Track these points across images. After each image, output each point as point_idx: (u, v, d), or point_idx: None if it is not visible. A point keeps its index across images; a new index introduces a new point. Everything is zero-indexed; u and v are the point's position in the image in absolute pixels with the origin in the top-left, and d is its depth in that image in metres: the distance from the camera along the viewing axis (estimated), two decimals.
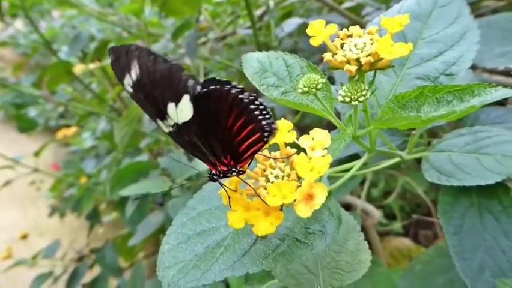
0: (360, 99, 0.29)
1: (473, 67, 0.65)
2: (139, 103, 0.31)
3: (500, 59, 0.53)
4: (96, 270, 1.30)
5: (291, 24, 1.02)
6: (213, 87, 0.29)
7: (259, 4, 1.12)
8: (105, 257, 1.23)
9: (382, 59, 0.29)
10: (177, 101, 0.29)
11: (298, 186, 0.27)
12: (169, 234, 0.37)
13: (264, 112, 0.29)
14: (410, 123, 0.29)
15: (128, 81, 0.29)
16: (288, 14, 1.13)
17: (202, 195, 0.40)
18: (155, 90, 0.29)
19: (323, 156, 0.27)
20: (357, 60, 0.29)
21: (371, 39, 0.30)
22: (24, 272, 1.33)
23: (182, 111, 0.30)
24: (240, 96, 0.29)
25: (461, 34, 0.40)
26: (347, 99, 0.29)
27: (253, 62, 0.41)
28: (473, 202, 0.42)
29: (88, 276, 1.28)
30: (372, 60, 0.29)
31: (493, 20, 0.59)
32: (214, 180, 0.31)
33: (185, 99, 0.29)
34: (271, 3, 1.01)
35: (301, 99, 0.37)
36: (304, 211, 0.26)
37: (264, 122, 0.29)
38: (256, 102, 0.29)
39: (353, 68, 0.29)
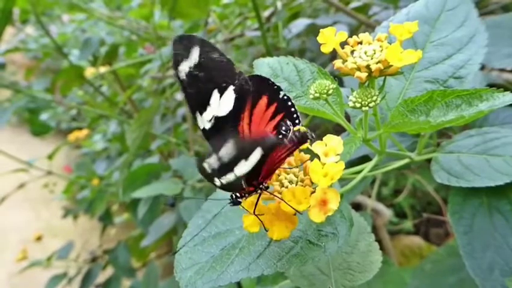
0: (370, 104, 0.30)
1: (482, 66, 0.65)
2: (187, 91, 0.32)
3: (508, 59, 0.53)
4: (109, 271, 1.32)
5: (299, 25, 1.03)
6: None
7: (267, 5, 1.12)
8: (118, 257, 1.25)
9: (392, 65, 0.30)
10: (222, 91, 0.31)
11: (312, 192, 0.28)
12: (185, 236, 0.38)
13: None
14: (420, 128, 0.30)
15: (184, 67, 0.31)
16: (295, 15, 1.13)
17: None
18: (208, 76, 0.31)
19: (336, 162, 0.28)
20: (367, 67, 0.30)
21: (380, 46, 0.31)
22: (38, 272, 1.35)
23: (223, 103, 0.32)
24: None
25: (469, 37, 0.41)
26: (358, 105, 0.30)
27: (264, 67, 0.42)
28: (483, 202, 0.43)
29: (101, 277, 1.29)
30: (382, 67, 0.30)
31: (501, 20, 0.59)
32: (238, 204, 0.31)
33: (230, 90, 0.31)
34: (279, 4, 1.02)
35: (312, 104, 0.38)
36: (318, 217, 0.27)
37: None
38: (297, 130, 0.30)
39: (363, 74, 0.30)
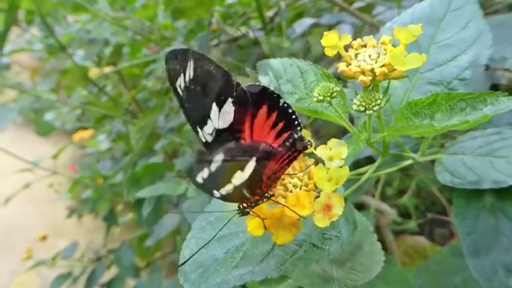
0: (374, 108, 0.30)
1: (486, 66, 0.65)
2: (186, 106, 0.32)
3: None
4: (113, 271, 1.32)
5: (303, 24, 1.03)
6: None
7: (271, 5, 1.12)
8: (122, 257, 1.25)
9: (396, 69, 0.30)
10: (221, 104, 0.31)
11: (317, 197, 0.28)
12: (189, 238, 0.38)
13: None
14: (424, 131, 0.30)
15: (180, 82, 0.30)
16: (299, 15, 1.13)
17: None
18: (205, 89, 0.31)
19: (341, 167, 0.28)
20: (372, 70, 0.30)
21: (384, 50, 0.30)
22: (43, 272, 1.36)
23: (223, 115, 0.31)
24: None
25: (474, 38, 0.40)
26: (362, 109, 0.30)
27: (268, 68, 0.42)
28: (487, 204, 0.43)
29: (105, 277, 1.30)
30: (387, 71, 0.30)
31: (505, 19, 0.59)
32: (247, 213, 0.31)
33: (229, 102, 0.31)
34: (283, 4, 1.02)
35: (316, 106, 0.38)
36: (322, 221, 0.27)
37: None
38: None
39: (368, 78, 0.30)
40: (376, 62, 0.30)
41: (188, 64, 0.30)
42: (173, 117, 1.31)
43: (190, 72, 0.30)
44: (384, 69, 0.30)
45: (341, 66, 0.32)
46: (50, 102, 1.18)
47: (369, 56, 0.30)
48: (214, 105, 0.31)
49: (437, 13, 0.44)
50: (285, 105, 0.32)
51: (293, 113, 0.32)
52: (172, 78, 0.31)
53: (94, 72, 1.24)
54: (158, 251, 1.42)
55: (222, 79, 0.31)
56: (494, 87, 0.63)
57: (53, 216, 1.89)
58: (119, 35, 1.35)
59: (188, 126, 1.27)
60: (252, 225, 0.30)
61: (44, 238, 1.47)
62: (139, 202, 1.09)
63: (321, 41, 0.32)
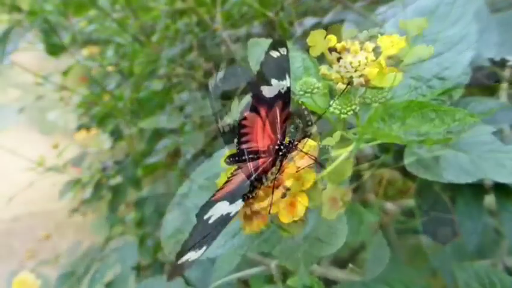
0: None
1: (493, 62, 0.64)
2: (213, 103, 0.36)
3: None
4: (116, 270, 1.32)
5: (306, 24, 1.03)
6: None
7: (273, 5, 1.12)
8: (125, 256, 1.25)
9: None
10: (241, 98, 0.35)
11: (323, 189, 0.29)
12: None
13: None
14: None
15: (212, 82, 0.35)
16: (302, 14, 1.13)
17: None
18: (229, 90, 0.36)
19: (345, 160, 0.28)
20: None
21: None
22: (46, 272, 1.36)
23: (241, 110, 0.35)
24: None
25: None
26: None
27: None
28: (490, 203, 0.43)
29: (107, 276, 1.30)
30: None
31: (508, 17, 0.59)
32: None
33: (248, 98, 0.35)
34: (285, 4, 1.02)
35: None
36: (329, 214, 0.27)
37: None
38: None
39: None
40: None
41: (221, 67, 0.36)
42: (175, 117, 1.31)
43: (221, 74, 0.35)
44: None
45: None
46: (53, 101, 1.18)
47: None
48: (235, 100, 0.35)
49: (440, 10, 0.43)
50: (299, 103, 0.34)
51: (306, 109, 0.33)
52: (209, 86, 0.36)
53: (96, 71, 1.24)
54: (161, 251, 1.42)
55: (246, 79, 0.36)
56: (495, 87, 0.63)
57: (55, 216, 1.90)
58: (121, 35, 1.35)
59: (189, 127, 1.28)
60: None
61: (47, 237, 1.47)
62: (142, 201, 1.09)
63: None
